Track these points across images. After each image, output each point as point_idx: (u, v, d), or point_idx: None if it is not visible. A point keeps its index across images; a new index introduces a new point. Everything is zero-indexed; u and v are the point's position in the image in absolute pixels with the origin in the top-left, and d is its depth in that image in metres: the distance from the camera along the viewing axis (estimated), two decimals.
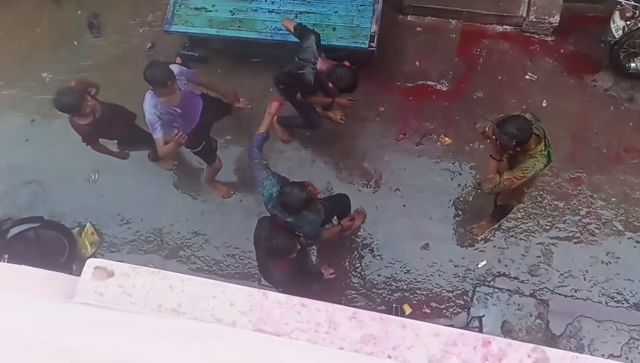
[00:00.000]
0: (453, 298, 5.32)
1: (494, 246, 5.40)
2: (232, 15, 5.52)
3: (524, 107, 5.65)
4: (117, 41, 6.42)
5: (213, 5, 5.57)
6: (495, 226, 5.36)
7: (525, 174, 3.95)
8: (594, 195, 5.39)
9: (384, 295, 5.40)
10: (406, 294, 5.39)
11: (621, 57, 5.37)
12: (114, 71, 6.24)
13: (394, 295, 5.39)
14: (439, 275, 5.40)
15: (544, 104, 5.67)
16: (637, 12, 4.90)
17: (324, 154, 5.86)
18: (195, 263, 5.73)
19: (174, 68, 4.53)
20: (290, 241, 4.03)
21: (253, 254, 5.59)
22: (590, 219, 5.33)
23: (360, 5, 5.40)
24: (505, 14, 5.89)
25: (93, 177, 6.08)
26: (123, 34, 6.43)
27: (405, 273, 5.45)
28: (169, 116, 4.60)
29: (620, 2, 4.99)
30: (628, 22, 5.07)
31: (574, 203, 5.40)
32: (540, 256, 5.32)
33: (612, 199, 5.36)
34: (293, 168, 5.79)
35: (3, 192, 6.08)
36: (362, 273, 5.50)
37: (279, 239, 4.02)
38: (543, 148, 3.92)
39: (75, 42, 6.59)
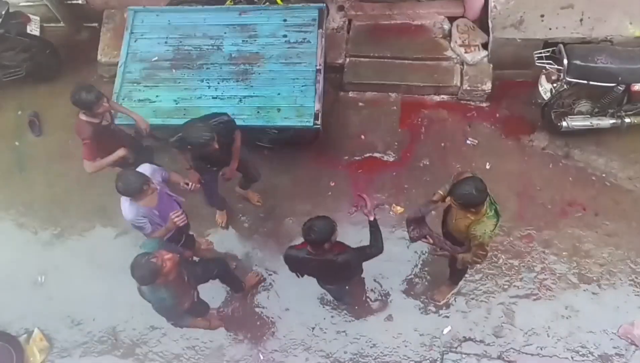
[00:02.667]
0: None
1: (457, 311, 5.39)
2: (176, 104, 5.56)
3: (469, 170, 5.82)
4: (59, 138, 6.33)
5: (157, 96, 5.61)
6: (455, 289, 5.37)
7: (484, 241, 4.02)
8: (546, 251, 5.51)
9: None
10: None
11: (553, 117, 5.65)
12: (57, 168, 6.14)
13: None
14: (406, 346, 5.33)
15: (487, 167, 5.86)
16: (562, 74, 5.20)
17: (280, 231, 5.82)
18: (153, 360, 5.49)
19: (146, 169, 4.50)
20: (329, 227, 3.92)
21: (213, 344, 5.45)
22: (545, 274, 5.43)
23: (302, 86, 5.54)
24: (440, 85, 6.16)
25: (40, 279, 5.83)
26: (65, 131, 6.32)
27: (371, 347, 5.36)
28: (151, 217, 4.50)
29: (545, 66, 5.29)
30: (554, 85, 5.39)
31: (528, 260, 5.50)
32: (502, 317, 5.34)
33: (564, 254, 5.49)
34: (242, 241, 5.75)
35: None
36: (328, 352, 5.36)
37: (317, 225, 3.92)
38: (488, 210, 3.98)
39: (17, 143, 6.47)
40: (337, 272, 4.36)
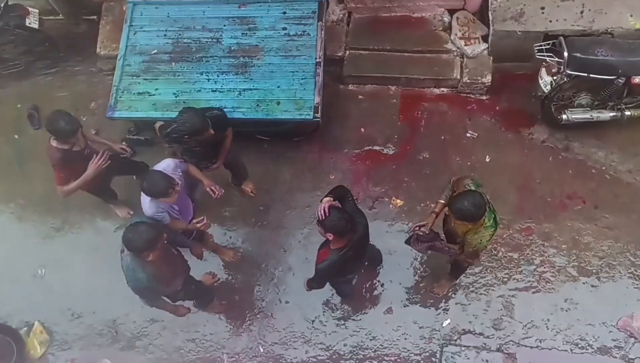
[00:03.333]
0: (422, 361, 5.26)
1: (456, 304, 5.41)
2: (175, 97, 5.55)
3: (469, 163, 5.83)
4: None
5: (156, 89, 5.60)
6: (455, 282, 5.38)
7: (479, 248, 4.07)
8: (545, 243, 5.52)
9: None
10: (374, 362, 5.29)
11: (552, 110, 5.64)
12: None
13: None
14: (405, 339, 5.34)
15: (487, 160, 5.86)
16: (562, 67, 5.18)
17: (280, 224, 5.83)
18: (153, 353, 5.50)
19: (169, 164, 4.46)
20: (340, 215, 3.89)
21: (214, 336, 5.47)
22: (545, 267, 5.43)
23: (302, 79, 5.52)
24: (440, 77, 6.15)
25: (40, 272, 5.83)
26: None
27: (371, 340, 5.37)
28: (170, 210, 4.50)
29: (545, 59, 5.28)
30: (554, 77, 5.37)
31: (528, 253, 5.50)
32: (502, 309, 5.34)
33: (563, 246, 5.49)
34: (242, 234, 5.74)
35: None
36: (328, 345, 5.38)
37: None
38: (486, 219, 3.98)
39: (16, 136, 6.46)
40: (367, 238, 4.30)
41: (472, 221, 3.93)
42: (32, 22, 6.25)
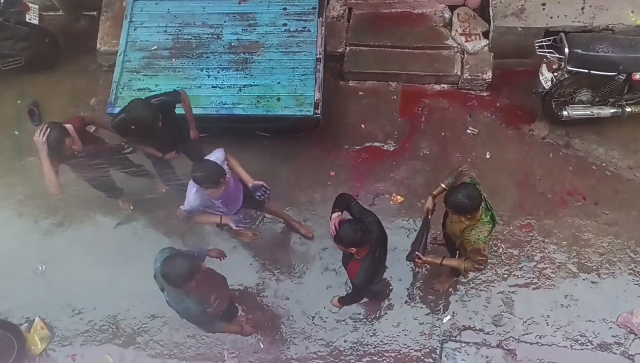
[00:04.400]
0: (422, 357, 5.26)
1: (457, 300, 5.41)
2: None
3: (469, 160, 5.83)
4: None
5: (156, 85, 5.59)
6: (455, 279, 5.39)
7: (478, 247, 4.01)
8: (546, 240, 5.52)
9: (352, 361, 5.29)
10: (374, 358, 5.30)
11: (553, 106, 5.63)
12: None
13: (362, 360, 5.30)
14: (405, 335, 5.35)
15: (487, 156, 5.86)
16: (563, 63, 5.17)
17: (279, 220, 5.83)
18: (154, 349, 5.50)
19: (219, 156, 4.41)
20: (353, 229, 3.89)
21: (214, 333, 5.45)
22: (545, 264, 5.44)
23: (302, 75, 5.52)
24: (441, 74, 6.14)
25: (40, 268, 5.83)
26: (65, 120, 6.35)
27: (371, 336, 5.37)
28: (212, 206, 4.50)
29: (546, 55, 5.27)
30: (555, 74, 5.35)
31: (528, 249, 5.51)
32: (502, 306, 5.35)
33: (563, 243, 5.50)
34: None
35: None
36: (328, 341, 5.38)
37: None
38: (483, 215, 3.99)
39: (16, 132, 6.46)
40: (384, 232, 4.28)
41: (466, 213, 3.93)
42: (32, 17, 6.23)
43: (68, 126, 4.70)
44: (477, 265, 4.21)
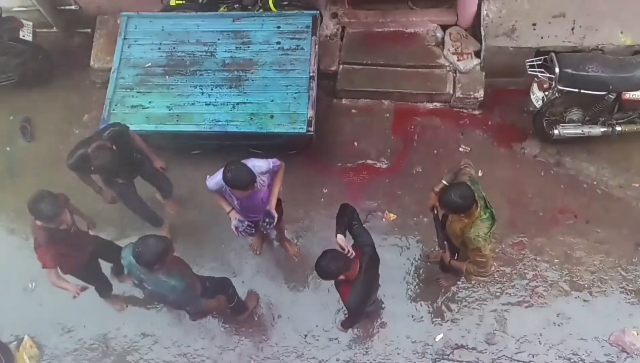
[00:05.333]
0: None
1: (449, 318, 5.40)
2: (169, 110, 5.55)
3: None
4: (51, 144, 6.31)
5: (150, 102, 5.60)
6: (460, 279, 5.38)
7: (477, 245, 4.02)
8: (538, 258, 5.53)
9: None
10: None
11: (544, 125, 5.69)
12: (49, 173, 6.03)
13: None
14: (398, 353, 5.32)
15: (479, 174, 5.85)
16: (553, 83, 5.23)
17: (272, 237, 5.82)
18: None
19: (262, 165, 4.39)
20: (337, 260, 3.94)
21: (206, 351, 5.44)
22: (537, 282, 5.44)
23: (296, 93, 5.54)
24: (433, 92, 6.19)
25: (30, 286, 5.78)
26: (57, 136, 6.32)
27: (364, 354, 5.35)
28: (227, 195, 4.52)
29: (537, 74, 5.33)
30: (546, 93, 5.42)
31: (520, 268, 5.51)
32: (494, 324, 5.34)
33: (555, 261, 5.51)
34: (244, 253, 5.74)
35: None
36: (321, 359, 5.35)
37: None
38: (482, 212, 4.02)
39: (8, 148, 6.44)
40: (377, 256, 4.34)
41: (460, 212, 3.98)
42: (25, 34, 6.25)
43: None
44: (479, 268, 4.22)
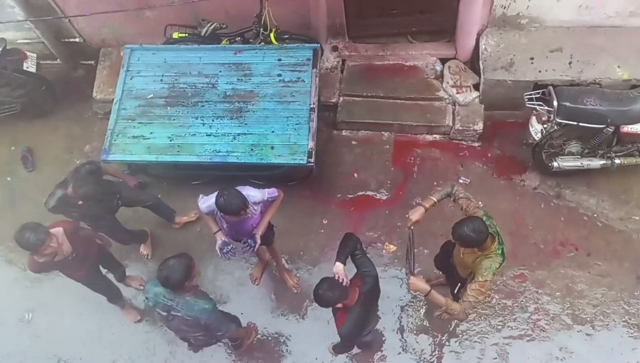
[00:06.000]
0: None
1: (450, 351, 5.34)
2: (170, 141, 5.58)
3: (461, 209, 5.83)
4: (52, 174, 6.29)
5: (151, 133, 5.62)
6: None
7: (485, 277, 4.00)
8: (539, 291, 5.49)
9: None
10: None
11: (543, 157, 5.71)
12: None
13: None
14: None
15: (479, 205, 5.86)
16: (552, 115, 5.27)
17: (271, 267, 5.78)
18: None
19: (256, 196, 4.51)
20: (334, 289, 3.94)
21: None
22: (539, 315, 5.39)
23: (296, 124, 5.57)
24: (433, 124, 6.24)
25: (27, 317, 5.73)
26: (58, 166, 6.34)
27: None
28: (217, 217, 4.64)
29: (535, 107, 5.37)
30: (545, 126, 5.45)
31: (522, 300, 5.47)
32: (496, 358, 5.28)
33: (557, 294, 5.46)
34: (243, 280, 5.70)
35: None
36: None
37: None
38: (497, 246, 4.02)
39: (9, 178, 6.45)
40: (378, 288, 4.34)
41: (473, 246, 3.96)
42: (29, 66, 6.32)
43: (56, 229, 4.63)
44: (468, 310, 4.12)
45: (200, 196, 4.64)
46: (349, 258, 4.25)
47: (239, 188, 4.41)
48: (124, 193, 5.41)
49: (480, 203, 5.78)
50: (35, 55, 6.43)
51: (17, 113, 6.50)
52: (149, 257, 5.92)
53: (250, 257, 5.66)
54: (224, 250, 4.68)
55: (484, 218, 4.08)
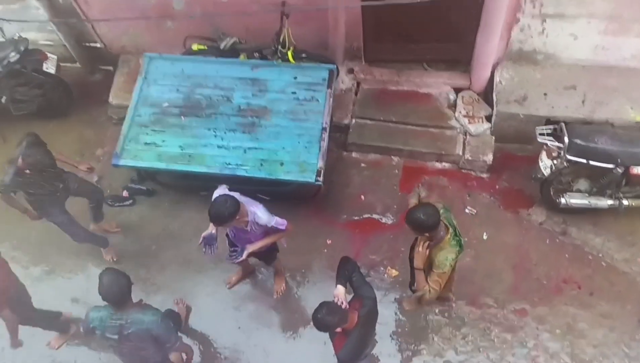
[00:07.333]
0: None
1: None
2: (181, 150, 5.63)
3: (466, 239, 5.79)
4: None
5: (163, 141, 5.68)
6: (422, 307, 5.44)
7: (443, 269, 4.22)
8: (539, 327, 5.43)
9: None
10: None
11: (551, 193, 5.70)
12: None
13: None
14: None
15: (484, 237, 5.87)
16: (562, 152, 5.28)
17: (271, 284, 5.77)
18: None
19: (262, 218, 4.55)
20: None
21: None
22: (538, 351, 5.33)
23: (307, 142, 5.61)
24: (443, 152, 6.26)
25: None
26: (69, 168, 6.38)
27: None
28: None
29: (546, 143, 5.38)
30: (554, 161, 5.45)
31: (521, 335, 5.41)
32: None
33: (557, 331, 5.41)
34: (242, 297, 5.67)
35: None
36: None
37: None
38: (452, 238, 4.21)
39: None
40: (376, 310, 4.36)
41: (424, 230, 4.15)
42: (49, 67, 6.42)
43: None
44: (433, 285, 4.31)
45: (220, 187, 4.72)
46: (349, 283, 4.26)
47: (252, 204, 4.53)
48: (72, 179, 5.51)
49: (485, 234, 5.81)
50: (55, 57, 6.53)
51: (33, 113, 6.57)
52: (114, 260, 5.92)
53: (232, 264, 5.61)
54: (206, 241, 4.74)
55: (442, 211, 4.28)
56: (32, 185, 5.10)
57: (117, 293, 3.97)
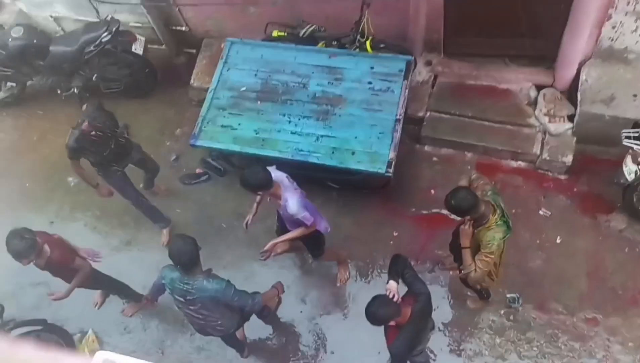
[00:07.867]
0: None
1: None
2: (256, 134, 5.75)
3: (538, 242, 5.66)
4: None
5: (239, 124, 5.82)
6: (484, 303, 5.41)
7: (490, 248, 4.21)
8: (611, 338, 5.21)
9: None
10: None
11: (634, 200, 5.42)
12: (137, 177, 6.28)
13: None
14: None
15: (557, 241, 5.66)
16: None
17: (332, 276, 5.82)
18: None
19: (292, 207, 4.59)
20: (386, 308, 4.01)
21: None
22: None
23: (380, 133, 5.59)
24: (519, 151, 6.07)
25: None
26: (149, 147, 6.60)
27: None
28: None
29: (632, 146, 5.12)
30: None
31: (591, 345, 5.21)
32: None
33: (630, 344, 5.16)
34: (306, 284, 5.75)
35: (10, 292, 6.01)
36: None
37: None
38: (498, 218, 4.19)
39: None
40: (430, 306, 4.32)
41: (463, 213, 4.23)
42: (137, 48, 6.72)
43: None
44: (480, 277, 4.36)
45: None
46: (402, 279, 4.26)
47: (291, 191, 4.64)
48: (136, 149, 5.75)
49: (559, 238, 5.60)
50: (144, 39, 6.82)
51: (120, 91, 6.91)
52: (165, 245, 6.04)
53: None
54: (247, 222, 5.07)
55: (490, 193, 4.32)
56: (96, 146, 5.28)
57: (187, 257, 4.11)
